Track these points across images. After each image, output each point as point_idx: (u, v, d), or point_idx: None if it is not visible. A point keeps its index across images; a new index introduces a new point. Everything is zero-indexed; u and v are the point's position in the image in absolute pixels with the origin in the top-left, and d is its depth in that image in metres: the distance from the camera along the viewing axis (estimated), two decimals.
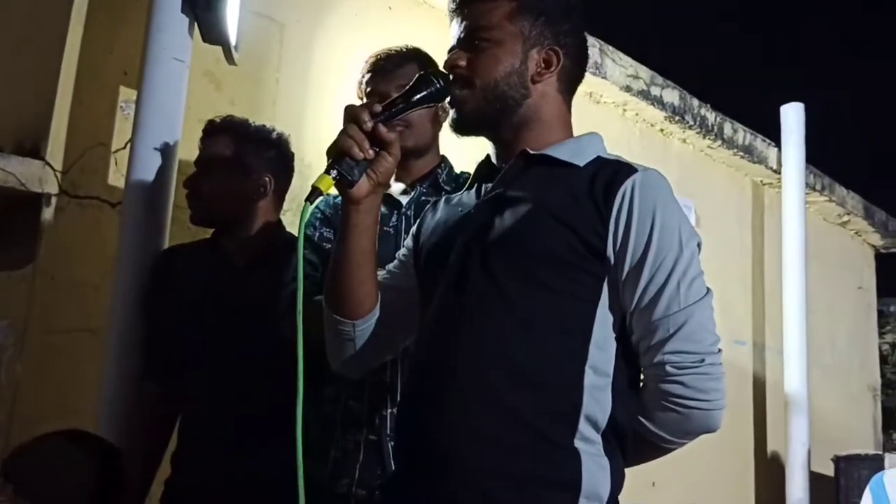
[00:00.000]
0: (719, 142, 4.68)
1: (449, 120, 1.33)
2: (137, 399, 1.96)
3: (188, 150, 2.15)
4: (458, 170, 1.86)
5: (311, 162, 2.66)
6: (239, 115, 2.07)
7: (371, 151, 1.22)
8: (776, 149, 5.00)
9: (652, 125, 4.50)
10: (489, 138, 1.36)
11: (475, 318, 1.21)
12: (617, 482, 1.17)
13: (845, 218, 5.78)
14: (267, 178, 1.96)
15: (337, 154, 1.21)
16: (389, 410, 1.67)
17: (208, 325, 1.89)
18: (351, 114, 1.22)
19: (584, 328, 1.19)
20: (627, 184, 1.20)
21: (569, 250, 1.19)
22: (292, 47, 2.99)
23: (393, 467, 1.55)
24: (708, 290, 1.20)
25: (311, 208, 1.17)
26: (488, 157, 1.38)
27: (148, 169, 2.10)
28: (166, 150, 2.12)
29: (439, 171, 1.82)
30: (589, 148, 1.31)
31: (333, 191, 1.22)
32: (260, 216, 1.96)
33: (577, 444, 1.15)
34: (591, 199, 1.21)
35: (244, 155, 1.94)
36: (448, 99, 1.31)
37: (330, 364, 1.39)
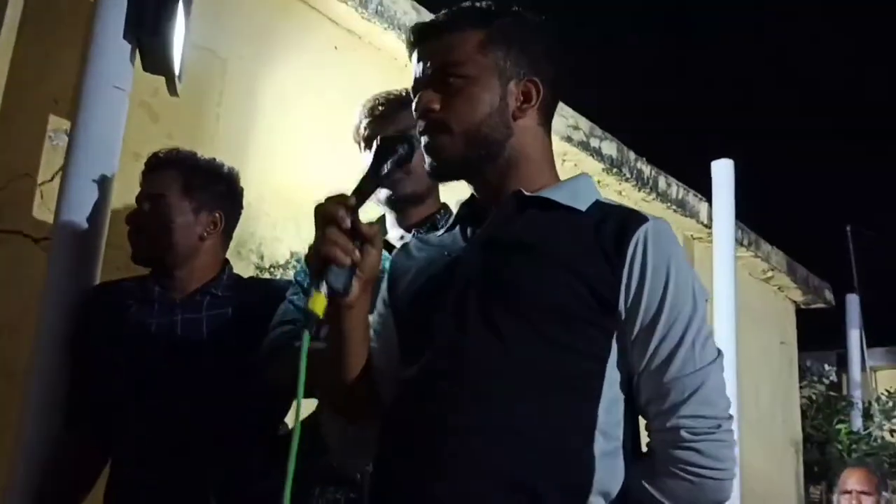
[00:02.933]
0: (654, 195, 4.74)
1: (426, 166, 1.22)
2: (59, 448, 1.79)
3: (120, 185, 2.02)
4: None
5: (250, 201, 2.55)
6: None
7: (357, 253, 1.09)
8: (707, 203, 5.09)
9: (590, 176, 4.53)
10: (471, 183, 1.26)
11: (474, 374, 1.10)
12: None
13: (769, 273, 5.92)
14: (217, 215, 1.84)
15: (321, 265, 1.07)
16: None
17: (147, 366, 1.73)
18: (326, 215, 1.09)
19: (592, 389, 1.10)
20: (640, 233, 1.12)
21: (577, 302, 1.10)
22: (234, 82, 2.89)
23: None
24: (719, 351, 1.13)
25: (308, 339, 1.05)
26: (473, 196, 1.28)
27: (80, 203, 1.95)
28: (102, 184, 1.97)
29: (439, 216, 1.74)
30: (586, 191, 1.23)
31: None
32: (207, 254, 1.83)
33: None
34: (599, 247, 1.12)
35: (193, 190, 1.82)
36: (424, 146, 1.20)
37: (331, 457, 1.27)
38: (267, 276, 2.74)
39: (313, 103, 3.10)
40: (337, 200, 1.10)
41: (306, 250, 1.11)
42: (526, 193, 1.20)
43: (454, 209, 1.76)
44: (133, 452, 1.72)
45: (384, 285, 1.31)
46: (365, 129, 1.77)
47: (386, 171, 1.17)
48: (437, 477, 1.07)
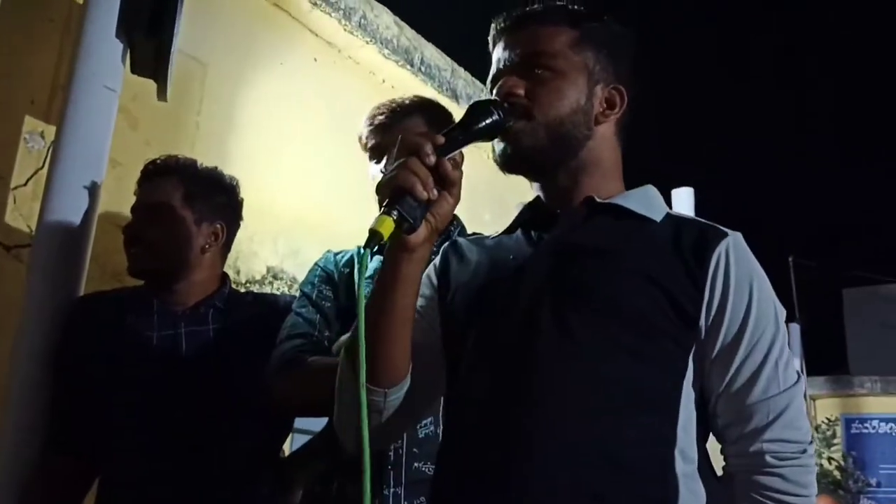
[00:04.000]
0: None
1: (497, 153, 1.16)
2: (42, 471, 1.66)
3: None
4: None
5: None
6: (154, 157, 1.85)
7: (435, 191, 1.02)
8: None
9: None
10: (540, 180, 1.21)
11: (549, 385, 1.04)
12: None
13: None
14: (218, 226, 1.75)
15: (397, 192, 1.00)
16: (392, 490, 1.46)
17: (148, 381, 1.62)
18: (411, 144, 1.02)
19: (671, 406, 1.05)
20: (722, 247, 1.08)
21: (658, 313, 1.05)
22: (215, 90, 2.78)
23: None
24: (799, 373, 1.09)
25: (369, 256, 0.98)
26: (538, 198, 1.22)
27: (65, 210, 1.83)
28: (88, 190, 1.86)
29: (452, 227, 1.67)
30: (657, 201, 1.19)
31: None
32: (207, 267, 1.74)
33: None
34: (680, 259, 1.08)
35: (195, 199, 1.73)
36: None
37: (347, 446, 1.17)
38: (243, 291, 2.64)
39: (292, 115, 3.02)
40: (426, 134, 1.03)
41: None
42: (598, 200, 1.15)
43: (464, 221, 1.74)
44: (133, 471, 1.60)
45: (432, 273, 1.24)
46: (366, 139, 1.71)
47: (478, 128, 1.09)
48: (516, 496, 1.01)
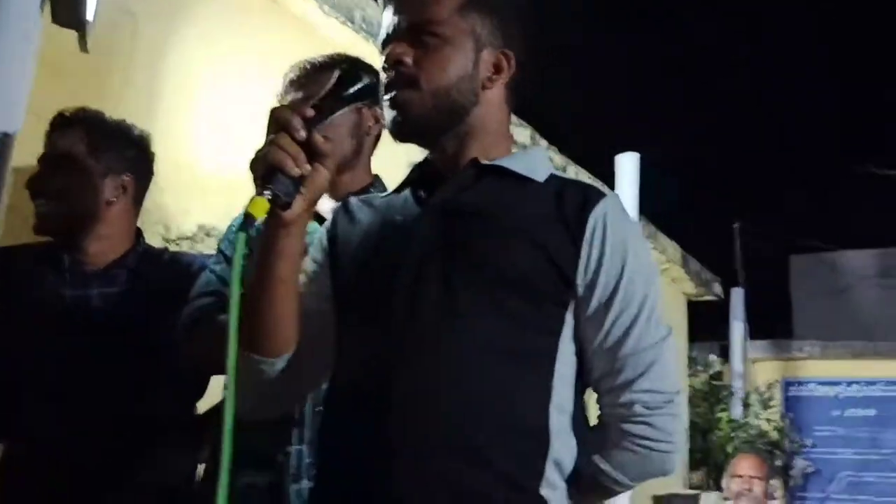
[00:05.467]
0: None
1: (389, 123, 1.18)
2: None
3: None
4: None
5: (157, 170, 2.42)
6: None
7: (307, 166, 1.05)
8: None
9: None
10: (428, 147, 1.23)
11: (431, 342, 1.07)
12: None
13: (665, 266, 6.11)
14: (126, 179, 1.73)
15: (268, 171, 1.02)
16: (294, 448, 1.48)
17: (58, 341, 1.61)
18: (280, 120, 1.04)
19: (548, 362, 1.09)
20: (600, 208, 1.12)
21: (539, 274, 1.09)
22: (146, 43, 2.72)
23: None
24: (669, 327, 1.15)
25: (244, 238, 1.00)
26: (427, 160, 1.25)
27: None
28: (3, 143, 1.82)
29: (372, 189, 1.67)
30: (542, 163, 1.22)
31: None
32: (115, 222, 1.72)
33: (544, 491, 1.05)
34: (560, 220, 1.12)
35: (100, 151, 1.70)
36: (388, 100, 1.16)
37: (240, 410, 1.19)
38: (174, 248, 2.61)
39: (227, 69, 2.97)
40: (294, 108, 1.05)
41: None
42: (484, 162, 1.18)
43: (385, 180, 1.74)
44: (42, 434, 1.59)
45: (323, 236, 1.26)
46: (281, 97, 1.69)
47: (350, 93, 1.12)
48: (392, 449, 1.04)
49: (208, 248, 2.89)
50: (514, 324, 1.08)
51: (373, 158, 1.73)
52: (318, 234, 1.29)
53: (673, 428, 1.11)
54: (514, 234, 1.11)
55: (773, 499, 4.30)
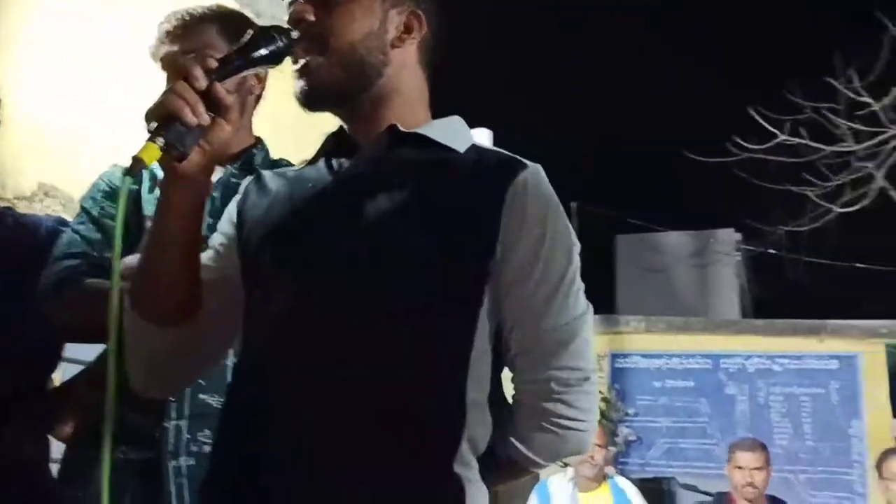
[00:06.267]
0: None
1: (297, 92, 1.12)
2: None
3: None
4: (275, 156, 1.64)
5: None
6: None
7: (206, 116, 0.99)
8: None
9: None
10: (341, 115, 1.18)
11: (342, 317, 1.03)
12: (505, 492, 1.07)
13: None
14: None
15: (163, 118, 0.97)
16: (174, 423, 1.40)
17: None
18: (180, 69, 0.99)
19: (465, 337, 1.06)
20: (520, 180, 1.09)
21: (455, 247, 1.05)
22: None
23: (173, 492, 1.34)
24: (588, 304, 1.13)
25: (129, 183, 0.95)
26: (342, 128, 1.19)
27: None
28: None
29: (255, 151, 1.58)
30: (462, 132, 1.18)
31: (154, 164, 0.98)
32: None
33: (457, 468, 1.02)
34: (480, 192, 1.08)
35: None
36: (296, 71, 1.11)
37: (133, 384, 1.10)
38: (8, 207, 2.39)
39: (74, 25, 2.75)
40: (197, 58, 1.00)
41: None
42: (401, 129, 1.13)
43: (269, 145, 1.67)
44: None
45: (232, 209, 1.20)
46: (155, 49, 1.58)
47: (258, 55, 1.06)
48: (301, 426, 1.00)
49: (48, 208, 2.68)
50: (430, 298, 1.05)
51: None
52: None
53: (588, 406, 1.11)
54: (431, 206, 1.07)
55: (611, 465, 4.54)
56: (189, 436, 1.41)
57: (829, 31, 9.34)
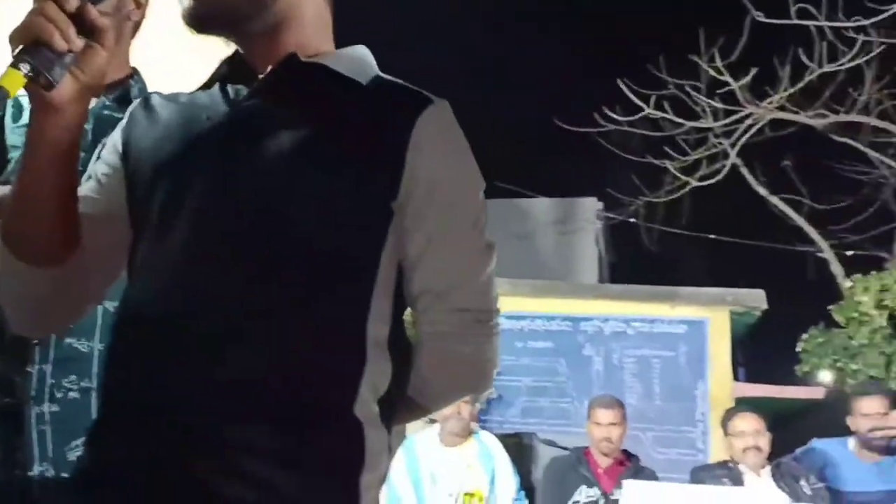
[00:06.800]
0: None
1: (183, 12, 1.04)
2: None
3: None
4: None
5: None
6: None
7: (77, 41, 0.90)
8: None
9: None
10: (236, 40, 1.10)
11: (236, 255, 0.98)
12: (393, 453, 1.05)
13: None
14: None
15: (29, 42, 0.87)
16: (38, 367, 1.32)
17: None
18: None
19: (367, 276, 1.02)
20: (426, 115, 1.05)
21: (357, 184, 1.01)
22: None
23: (34, 439, 1.27)
24: (491, 245, 1.12)
25: None
26: (238, 52, 1.11)
27: None
28: None
29: (132, 82, 1.48)
30: (366, 63, 1.12)
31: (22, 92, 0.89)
32: None
33: (357, 412, 0.99)
34: (383, 126, 1.04)
35: None
36: None
37: (10, 325, 1.01)
38: None
39: None
40: None
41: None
42: (302, 59, 1.07)
43: (145, 77, 1.57)
44: None
45: (117, 136, 1.11)
46: None
47: None
48: (193, 373, 0.95)
49: None
50: (329, 238, 1.01)
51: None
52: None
53: (491, 346, 1.11)
54: (332, 142, 1.03)
55: (477, 421, 4.63)
56: (53, 381, 1.32)
57: (696, 11, 9.71)
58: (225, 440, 0.94)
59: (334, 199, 1.01)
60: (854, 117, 9.82)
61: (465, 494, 4.25)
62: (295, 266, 0.99)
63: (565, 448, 4.63)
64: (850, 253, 10.45)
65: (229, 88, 1.09)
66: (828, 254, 10.24)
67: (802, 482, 3.94)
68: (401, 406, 1.10)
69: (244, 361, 0.95)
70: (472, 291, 1.08)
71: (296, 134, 1.02)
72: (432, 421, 4.47)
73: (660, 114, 9.85)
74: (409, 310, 1.12)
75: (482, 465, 4.33)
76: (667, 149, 10.20)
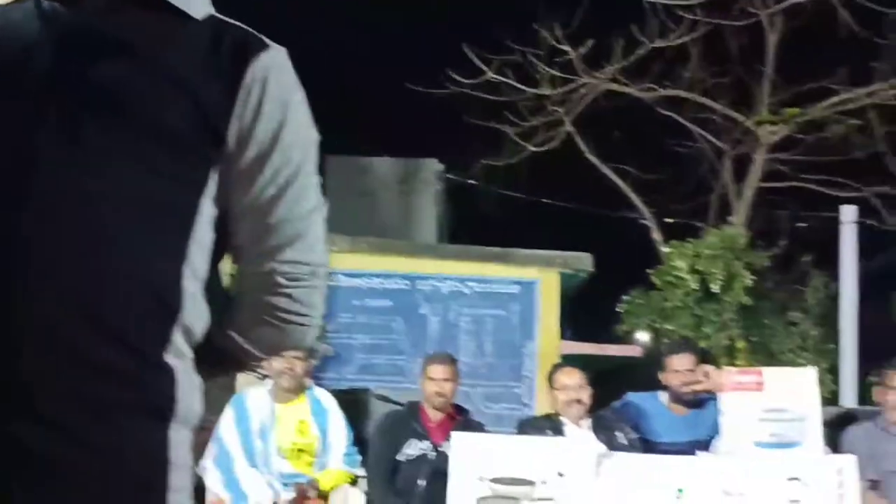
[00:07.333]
0: None
1: None
2: None
3: None
4: None
5: None
6: None
7: None
8: None
9: None
10: None
11: (48, 198, 0.92)
12: (204, 403, 1.02)
13: None
14: None
15: None
16: None
17: None
18: None
19: (186, 223, 0.98)
20: (264, 59, 1.01)
21: (185, 125, 0.96)
22: None
23: None
24: (321, 199, 1.10)
25: None
26: None
27: None
28: None
29: None
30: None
31: None
32: None
33: (169, 358, 0.96)
34: (216, 65, 0.99)
35: None
36: None
37: None
38: None
39: None
40: None
41: None
42: None
43: None
44: None
45: None
46: None
47: None
48: (12, 321, 0.90)
49: None
50: (150, 178, 0.96)
51: None
52: None
53: (314, 301, 1.09)
54: (159, 76, 0.97)
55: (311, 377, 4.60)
56: None
57: None
58: (32, 389, 0.90)
59: (155, 141, 0.96)
60: (679, 93, 10.41)
61: (297, 450, 4.24)
62: (107, 208, 0.94)
63: (399, 403, 4.70)
64: (669, 221, 11.15)
65: (45, 4, 0.99)
66: (650, 221, 10.87)
67: (618, 433, 4.20)
68: (219, 358, 1.08)
69: (50, 307, 0.91)
70: (299, 246, 1.06)
71: (115, 67, 0.96)
72: (265, 377, 4.42)
73: (501, 79, 10.04)
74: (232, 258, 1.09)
75: (315, 421, 4.32)
76: (508, 114, 10.43)
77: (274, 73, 1.03)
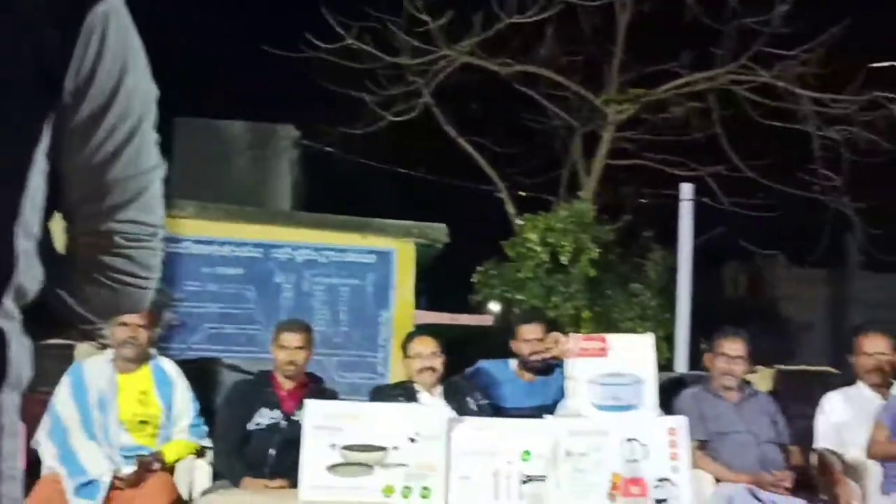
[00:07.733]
0: None
1: None
2: None
3: None
4: None
5: None
6: None
7: None
8: None
9: None
10: None
11: None
12: (33, 365, 0.95)
13: None
14: None
15: None
16: None
17: None
18: None
19: (18, 178, 0.92)
20: (100, 11, 0.95)
21: (17, 75, 0.90)
22: None
23: None
24: (160, 159, 1.05)
25: None
26: None
27: None
28: None
29: None
30: None
31: None
32: None
33: (0, 320, 0.90)
34: (52, 15, 0.93)
35: None
36: None
37: None
38: None
39: None
40: None
41: None
42: None
43: None
44: None
45: None
46: None
47: None
48: None
49: None
50: None
51: None
52: None
53: (152, 263, 1.05)
54: None
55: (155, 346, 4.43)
56: None
57: None
58: None
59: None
60: (534, 69, 10.65)
61: (140, 422, 4.08)
62: None
63: (250, 373, 4.60)
64: (523, 194, 11.44)
65: None
66: (504, 194, 11.11)
67: (469, 399, 4.30)
68: (50, 320, 1.03)
69: None
70: (137, 205, 1.01)
71: None
72: (104, 346, 4.21)
73: (361, 45, 9.93)
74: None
75: (159, 391, 4.17)
76: (367, 82, 10.34)
77: (114, 23, 0.97)
